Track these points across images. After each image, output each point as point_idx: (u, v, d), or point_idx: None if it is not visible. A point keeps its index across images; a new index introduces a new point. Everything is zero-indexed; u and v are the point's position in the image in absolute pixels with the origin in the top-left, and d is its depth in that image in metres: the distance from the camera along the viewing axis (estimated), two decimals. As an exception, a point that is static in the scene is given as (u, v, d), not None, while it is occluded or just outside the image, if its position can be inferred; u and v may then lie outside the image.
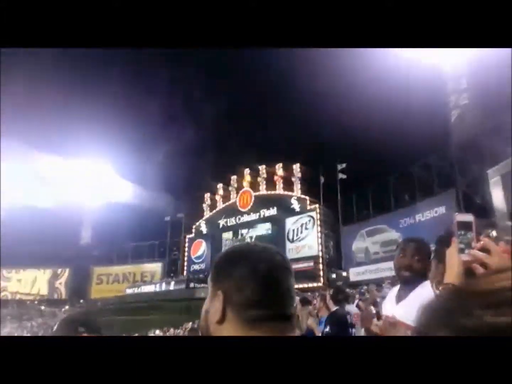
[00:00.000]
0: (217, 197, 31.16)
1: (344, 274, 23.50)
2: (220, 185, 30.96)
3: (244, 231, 28.76)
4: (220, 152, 33.58)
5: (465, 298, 0.34)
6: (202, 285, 25.86)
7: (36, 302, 33.27)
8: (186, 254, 32.12)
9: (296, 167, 26.71)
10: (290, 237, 25.87)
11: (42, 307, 31.21)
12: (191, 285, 26.95)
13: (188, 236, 32.40)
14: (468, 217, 1.08)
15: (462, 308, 0.33)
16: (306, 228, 25.38)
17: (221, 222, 30.57)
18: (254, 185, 28.90)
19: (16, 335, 21.26)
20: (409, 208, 20.88)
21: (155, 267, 33.89)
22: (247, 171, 29.33)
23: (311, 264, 23.88)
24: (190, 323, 15.10)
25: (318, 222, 24.76)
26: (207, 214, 31.72)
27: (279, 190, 27.35)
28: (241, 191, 29.67)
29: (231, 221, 29.98)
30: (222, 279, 0.84)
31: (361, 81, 21.28)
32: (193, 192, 32.59)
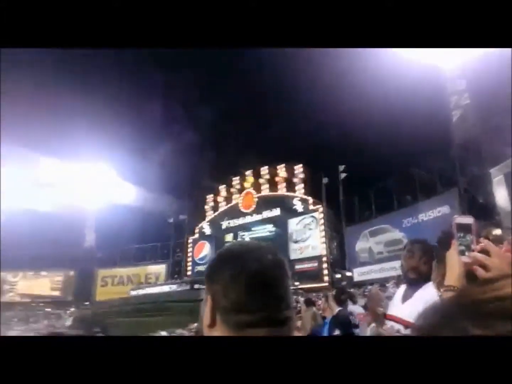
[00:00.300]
0: (220, 199, 31.20)
1: (348, 274, 23.47)
2: (222, 187, 31.00)
3: (246, 232, 28.76)
4: (221, 153, 33.58)
5: (464, 306, 0.35)
6: (206, 286, 25.77)
7: (41, 304, 33.37)
8: (189, 255, 32.16)
9: (298, 167, 26.71)
10: (294, 237, 25.86)
11: (48, 310, 31.30)
12: (196, 286, 26.97)
13: (191, 237, 32.44)
14: (468, 219, 1.07)
15: (459, 317, 0.33)
16: (309, 229, 25.35)
17: (224, 224, 30.57)
18: (256, 186, 28.92)
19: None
20: (412, 208, 20.82)
21: (159, 268, 33.91)
22: (249, 172, 29.35)
23: (315, 264, 23.87)
24: (195, 324, 15.13)
25: (322, 222, 24.76)
26: (210, 215, 31.74)
27: (282, 191, 27.35)
28: (243, 193, 29.68)
29: (234, 222, 29.99)
30: (211, 284, 0.81)
31: (362, 82, 21.28)
32: (195, 194, 32.63)
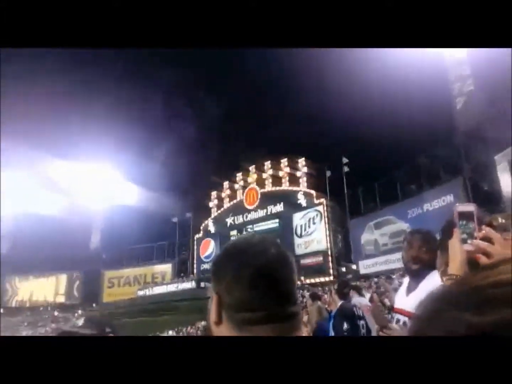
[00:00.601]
0: (224, 196, 31.26)
1: (354, 267, 23.48)
2: (226, 184, 31.05)
3: (251, 228, 28.82)
4: (224, 149, 33.64)
5: (466, 293, 0.34)
6: (213, 284, 25.94)
7: (49, 308, 33.67)
8: (195, 253, 32.30)
9: (301, 161, 26.67)
10: (298, 232, 25.87)
11: (56, 313, 31.59)
12: (202, 284, 27.11)
13: (196, 235, 32.57)
14: (469, 207, 1.07)
15: (461, 304, 0.33)
16: (313, 223, 25.36)
17: (229, 221, 30.67)
18: (260, 182, 28.93)
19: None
20: (417, 198, 20.77)
21: (166, 268, 34.11)
22: (252, 168, 29.36)
23: (320, 258, 23.89)
24: (203, 322, 15.19)
25: (326, 216, 24.74)
26: (214, 213, 31.84)
27: (285, 185, 27.35)
28: (247, 189, 29.72)
29: (239, 219, 30.08)
30: (216, 281, 0.81)
31: (364, 72, 21.18)
32: (199, 192, 32.77)
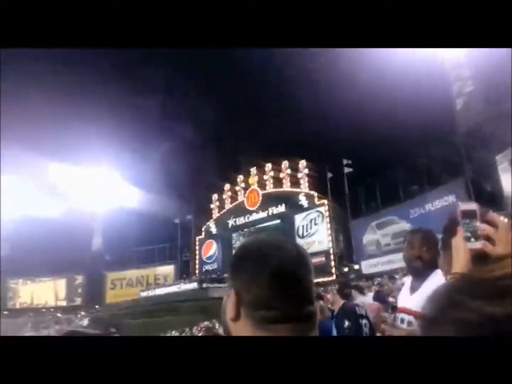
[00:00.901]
0: (225, 197, 31.26)
1: (356, 267, 23.46)
2: (227, 185, 31.05)
3: (253, 229, 28.80)
4: (224, 151, 33.61)
5: (471, 287, 0.34)
6: (215, 284, 26.01)
7: (52, 310, 33.69)
8: (197, 255, 32.28)
9: (302, 163, 26.67)
10: (300, 233, 25.86)
11: (58, 315, 31.60)
12: (204, 285, 27.09)
13: (198, 237, 32.55)
14: (472, 206, 1.06)
15: (467, 297, 0.33)
16: (315, 224, 25.34)
17: (230, 222, 30.63)
18: (261, 184, 28.93)
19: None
20: (418, 199, 20.75)
21: (168, 269, 34.09)
22: (253, 169, 29.36)
23: (323, 258, 23.85)
24: (206, 322, 15.21)
25: (327, 216, 24.74)
26: (215, 214, 31.81)
27: (286, 187, 27.34)
28: (248, 190, 29.71)
29: (240, 220, 30.05)
30: (235, 278, 0.82)
31: (364, 72, 21.17)
32: (200, 194, 32.74)
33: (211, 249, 31.42)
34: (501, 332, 0.29)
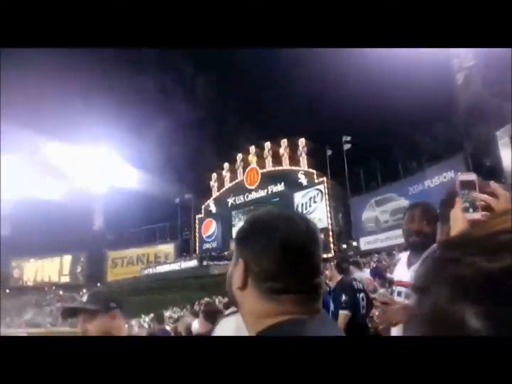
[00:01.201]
0: (224, 176, 31.28)
1: (355, 244, 23.72)
2: (226, 164, 31.01)
3: (253, 208, 28.98)
4: (223, 130, 33.42)
5: (464, 245, 0.34)
6: (215, 262, 26.35)
7: (54, 288, 34.23)
8: (197, 233, 32.56)
9: (302, 141, 26.55)
10: (299, 211, 26.02)
11: (61, 292, 32.12)
12: (204, 263, 27.45)
13: (198, 216, 32.75)
14: (471, 176, 1.06)
15: (461, 255, 0.32)
16: (314, 202, 25.48)
17: (230, 201, 30.80)
18: (260, 162, 28.89)
19: (38, 321, 22.00)
20: (418, 175, 20.78)
21: (168, 248, 34.46)
22: (252, 148, 29.27)
23: (322, 236, 24.05)
24: (206, 298, 15.47)
25: (326, 194, 24.84)
26: (215, 193, 31.92)
27: (286, 165, 27.31)
28: (247, 169, 29.71)
29: (240, 199, 30.18)
30: (244, 248, 0.82)
31: (363, 51, 20.80)
32: (200, 173, 32.75)
33: (211, 227, 31.68)
34: (497, 288, 0.28)
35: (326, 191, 24.95)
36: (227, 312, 2.22)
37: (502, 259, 0.29)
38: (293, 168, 26.80)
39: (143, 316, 16.85)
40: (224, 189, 31.29)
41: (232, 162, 30.69)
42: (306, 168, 26.24)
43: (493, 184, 1.04)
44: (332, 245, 23.72)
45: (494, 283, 0.28)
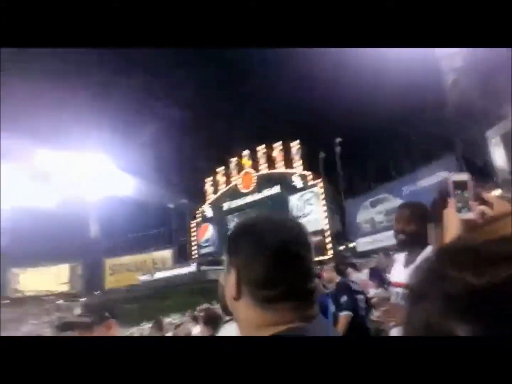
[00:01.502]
0: (219, 180, 31.28)
1: (352, 245, 23.80)
2: (220, 168, 31.03)
3: (248, 211, 28.96)
4: (217, 134, 33.37)
5: (464, 252, 0.32)
6: (213, 267, 26.30)
7: (52, 297, 33.93)
8: (193, 239, 32.47)
9: (295, 144, 26.67)
10: (295, 214, 26.07)
11: (59, 302, 31.85)
12: (202, 268, 27.39)
13: (193, 221, 32.69)
14: (464, 176, 1.04)
15: (451, 268, 0.31)
16: (310, 204, 25.55)
17: (225, 205, 30.76)
18: (254, 166, 28.94)
19: (38, 332, 21.80)
20: (410, 176, 20.94)
21: (165, 254, 34.29)
22: (246, 152, 29.33)
23: (318, 238, 24.16)
24: (205, 304, 15.45)
25: (322, 194, 24.95)
26: (210, 198, 31.89)
27: (280, 168, 27.40)
28: (242, 173, 29.75)
29: (235, 203, 30.18)
30: (234, 256, 0.80)
31: (353, 52, 20.93)
32: (194, 177, 32.66)
33: (207, 232, 31.59)
34: (488, 306, 0.27)
35: (321, 193, 25.07)
36: (227, 318, 2.31)
37: (487, 273, 0.28)
38: (288, 170, 26.87)
39: (142, 323, 16.81)
40: (219, 193, 31.27)
41: (227, 166, 30.72)
42: (300, 171, 26.35)
43: (485, 194, 1.05)
44: (329, 247, 23.79)
45: (482, 300, 0.27)
